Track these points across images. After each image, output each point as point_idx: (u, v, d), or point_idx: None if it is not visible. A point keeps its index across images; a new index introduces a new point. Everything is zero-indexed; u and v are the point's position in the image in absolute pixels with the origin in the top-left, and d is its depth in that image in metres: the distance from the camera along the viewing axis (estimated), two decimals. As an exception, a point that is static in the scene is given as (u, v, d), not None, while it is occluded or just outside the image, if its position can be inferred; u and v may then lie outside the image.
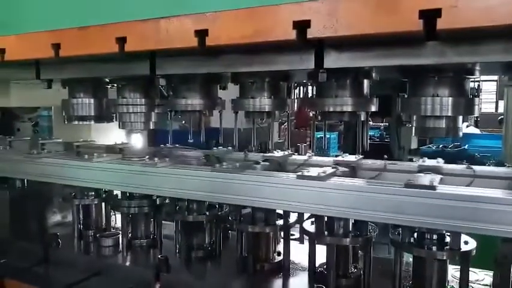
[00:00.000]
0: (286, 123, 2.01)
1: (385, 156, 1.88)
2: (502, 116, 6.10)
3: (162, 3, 1.57)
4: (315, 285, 1.68)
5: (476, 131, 9.98)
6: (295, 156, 2.01)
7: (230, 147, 2.17)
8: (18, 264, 2.11)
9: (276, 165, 1.88)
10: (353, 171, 1.78)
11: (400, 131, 7.14)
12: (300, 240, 2.15)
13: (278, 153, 1.98)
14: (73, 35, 1.75)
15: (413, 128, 1.60)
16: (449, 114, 1.47)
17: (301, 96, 6.66)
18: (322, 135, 2.16)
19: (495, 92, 16.51)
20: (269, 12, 1.35)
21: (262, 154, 2.03)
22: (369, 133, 2.05)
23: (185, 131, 2.12)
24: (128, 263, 2.07)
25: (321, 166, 1.74)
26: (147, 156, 1.98)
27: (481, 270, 1.79)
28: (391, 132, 7.71)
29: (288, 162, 1.95)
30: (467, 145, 7.51)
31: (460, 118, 1.54)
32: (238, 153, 2.13)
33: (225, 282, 1.83)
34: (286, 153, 1.99)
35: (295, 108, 2.10)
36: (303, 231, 1.81)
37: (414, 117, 1.57)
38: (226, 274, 1.90)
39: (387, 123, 8.92)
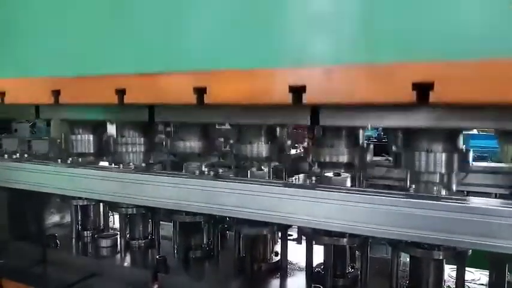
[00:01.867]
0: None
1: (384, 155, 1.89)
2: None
3: (161, 58, 1.59)
4: (312, 285, 1.69)
5: (473, 131, 10.00)
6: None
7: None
8: (17, 264, 2.11)
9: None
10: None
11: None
12: (298, 241, 2.16)
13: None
14: (73, 84, 1.78)
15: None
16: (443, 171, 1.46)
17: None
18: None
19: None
20: (266, 75, 1.37)
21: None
22: (368, 133, 2.07)
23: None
24: (126, 264, 2.07)
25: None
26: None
27: (477, 269, 1.80)
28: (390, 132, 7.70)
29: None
30: (464, 145, 7.50)
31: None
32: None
33: (223, 283, 1.83)
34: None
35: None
36: (300, 231, 1.82)
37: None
38: (224, 274, 1.90)
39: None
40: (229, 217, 1.85)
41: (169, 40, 1.57)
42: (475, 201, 1.28)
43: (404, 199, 1.31)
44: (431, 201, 1.28)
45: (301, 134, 2.77)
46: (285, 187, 1.49)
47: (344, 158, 1.66)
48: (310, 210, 1.43)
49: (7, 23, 2.00)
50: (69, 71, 1.80)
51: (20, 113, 2.32)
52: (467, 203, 1.26)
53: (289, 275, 1.86)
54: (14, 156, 2.22)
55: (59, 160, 2.08)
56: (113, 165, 2.06)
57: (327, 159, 1.67)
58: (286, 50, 1.35)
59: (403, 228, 1.30)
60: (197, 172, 1.72)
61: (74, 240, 2.35)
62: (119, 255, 2.14)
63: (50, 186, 2.04)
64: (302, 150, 2.12)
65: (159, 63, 1.58)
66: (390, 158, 1.76)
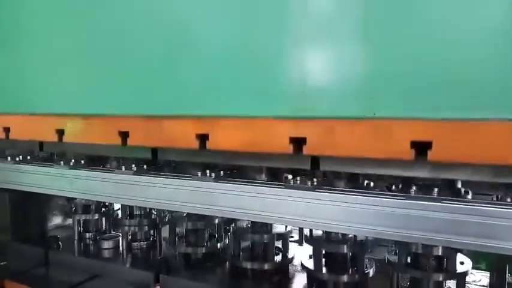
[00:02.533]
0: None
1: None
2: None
3: (164, 100, 1.62)
4: (313, 287, 1.70)
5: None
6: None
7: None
8: (19, 266, 2.12)
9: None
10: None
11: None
12: (299, 242, 2.17)
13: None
14: (77, 123, 1.82)
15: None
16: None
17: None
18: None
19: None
20: (266, 125, 1.40)
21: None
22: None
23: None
24: (128, 265, 2.07)
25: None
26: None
27: (478, 271, 1.80)
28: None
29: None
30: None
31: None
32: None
33: (225, 284, 1.84)
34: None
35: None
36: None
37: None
38: (226, 275, 1.91)
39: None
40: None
41: (171, 84, 1.60)
42: (477, 203, 1.29)
43: (405, 201, 1.31)
44: (432, 203, 1.28)
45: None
46: (285, 189, 1.50)
47: None
48: (311, 211, 1.44)
49: (13, 60, 2.05)
50: (72, 108, 1.84)
51: (24, 147, 2.27)
52: (467, 205, 1.26)
53: (290, 277, 1.87)
54: (17, 159, 2.23)
55: (61, 162, 2.09)
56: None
57: None
58: (287, 100, 1.38)
59: (404, 230, 1.30)
60: (199, 174, 1.72)
61: (76, 241, 2.36)
62: (120, 257, 2.15)
63: (52, 188, 2.05)
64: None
65: (161, 106, 1.62)
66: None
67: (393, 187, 1.47)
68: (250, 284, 1.82)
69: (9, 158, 2.20)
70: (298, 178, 1.49)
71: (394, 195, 1.36)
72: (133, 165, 1.83)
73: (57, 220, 2.64)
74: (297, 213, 1.46)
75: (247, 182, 1.61)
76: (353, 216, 1.37)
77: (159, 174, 1.81)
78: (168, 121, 1.60)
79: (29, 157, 2.20)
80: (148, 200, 1.78)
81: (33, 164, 2.13)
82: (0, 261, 2.21)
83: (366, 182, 1.57)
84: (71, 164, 1.99)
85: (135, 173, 1.81)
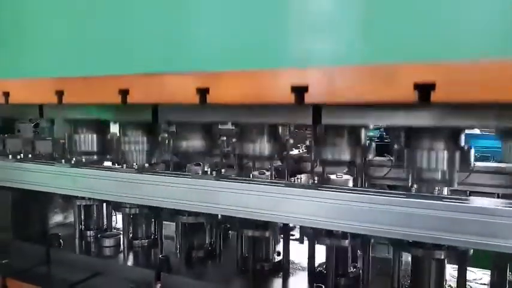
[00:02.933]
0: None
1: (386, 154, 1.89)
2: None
3: (165, 58, 1.60)
4: (315, 285, 1.70)
5: (476, 131, 9.98)
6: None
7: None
8: (20, 264, 2.13)
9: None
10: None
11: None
12: (300, 241, 2.17)
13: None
14: (77, 84, 1.79)
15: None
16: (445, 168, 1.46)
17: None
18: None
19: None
20: (268, 75, 1.38)
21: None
22: (369, 133, 2.06)
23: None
24: (129, 263, 2.08)
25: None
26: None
27: (479, 269, 1.80)
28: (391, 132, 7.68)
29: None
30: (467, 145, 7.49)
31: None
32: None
33: (225, 282, 1.84)
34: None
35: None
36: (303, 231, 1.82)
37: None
38: (227, 274, 1.91)
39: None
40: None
41: (172, 41, 1.57)
42: (476, 201, 1.29)
43: (406, 199, 1.31)
44: (433, 201, 1.28)
45: (304, 134, 2.78)
46: (287, 187, 1.50)
47: (346, 157, 1.66)
48: (312, 210, 1.44)
49: (11, 24, 2.01)
50: (73, 71, 1.81)
51: (24, 113, 2.32)
52: (467, 203, 1.27)
53: (291, 275, 1.87)
54: (18, 157, 2.23)
55: (63, 160, 2.09)
56: (116, 166, 2.07)
57: (329, 158, 1.68)
58: (288, 52, 1.36)
59: (404, 228, 1.31)
60: (200, 172, 1.73)
61: (77, 239, 2.36)
62: (121, 255, 2.15)
63: (53, 186, 2.05)
64: (304, 150, 2.12)
65: (162, 63, 1.59)
66: (392, 158, 1.76)
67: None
68: (250, 282, 1.83)
69: (10, 156, 2.21)
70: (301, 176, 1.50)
71: (395, 194, 1.36)
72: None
73: (58, 218, 2.65)
74: (298, 212, 1.46)
75: (248, 180, 1.62)
76: (353, 215, 1.37)
77: (160, 173, 1.81)
78: (168, 77, 1.57)
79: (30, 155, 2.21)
80: (147, 198, 1.79)
81: (35, 162, 2.13)
82: (2, 260, 2.21)
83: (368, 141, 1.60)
84: (73, 162, 2.00)
85: (137, 171, 1.82)
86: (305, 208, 1.46)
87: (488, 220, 1.21)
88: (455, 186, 1.52)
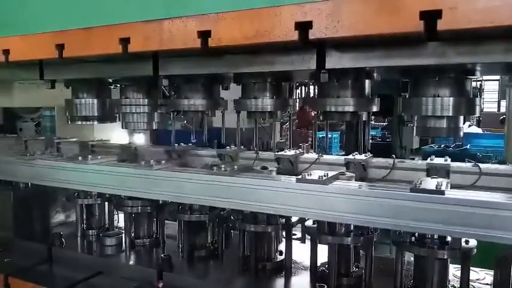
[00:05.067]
0: (288, 123, 2.01)
1: (393, 155, 1.88)
2: (504, 116, 6.09)
3: (165, 4, 1.58)
4: (317, 285, 1.70)
5: (478, 130, 9.97)
6: (306, 155, 1.98)
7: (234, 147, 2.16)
8: (23, 263, 2.13)
9: (288, 164, 1.89)
10: (363, 170, 1.78)
11: (401, 131, 7.14)
12: (302, 240, 2.17)
13: (289, 152, 1.95)
14: (77, 36, 1.76)
15: (415, 127, 1.61)
16: (450, 114, 1.47)
17: (303, 96, 6.68)
18: (324, 135, 2.16)
19: (497, 92, 16.45)
20: (271, 13, 1.35)
21: (274, 153, 1.99)
22: (371, 133, 2.06)
23: (187, 131, 2.12)
24: (131, 262, 2.08)
25: (332, 165, 1.78)
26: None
27: (481, 269, 1.80)
28: (393, 132, 7.72)
29: (299, 160, 1.93)
30: (469, 145, 7.50)
31: (461, 118, 1.54)
32: (250, 153, 2.11)
33: (228, 281, 1.84)
34: (296, 152, 1.97)
35: (297, 108, 2.10)
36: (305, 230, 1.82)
37: (415, 117, 1.58)
38: (229, 273, 1.91)
39: (388, 123, 8.93)
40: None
41: None
42: (478, 195, 1.30)
43: (411, 193, 1.32)
44: (436, 196, 1.28)
45: (305, 133, 2.77)
46: (298, 182, 1.50)
47: (350, 108, 1.67)
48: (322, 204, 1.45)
49: None
50: (72, 23, 1.77)
51: (24, 75, 2.27)
52: (468, 197, 1.27)
53: (293, 274, 1.86)
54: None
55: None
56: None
57: (332, 109, 1.69)
58: None
59: (408, 221, 1.31)
60: (215, 169, 1.72)
61: (79, 238, 2.36)
62: (124, 254, 2.15)
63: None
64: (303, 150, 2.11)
65: (162, 10, 1.56)
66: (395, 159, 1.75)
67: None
68: (252, 281, 1.82)
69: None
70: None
71: (401, 188, 1.37)
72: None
73: (60, 217, 2.65)
74: (309, 206, 1.47)
75: (260, 176, 1.64)
76: (361, 208, 1.38)
77: (175, 169, 1.83)
78: (169, 22, 1.54)
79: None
80: (161, 193, 1.79)
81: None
82: (5, 258, 2.21)
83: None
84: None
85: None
86: (315, 202, 1.46)
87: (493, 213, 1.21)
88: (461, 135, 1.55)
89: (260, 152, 2.09)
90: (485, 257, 1.59)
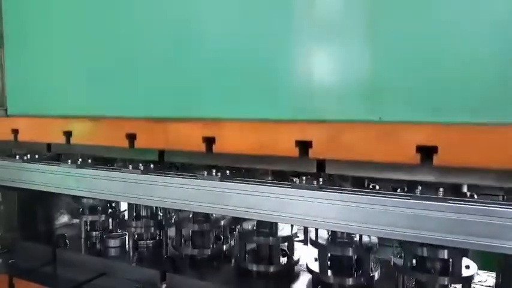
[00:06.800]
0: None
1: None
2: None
3: (171, 105, 1.65)
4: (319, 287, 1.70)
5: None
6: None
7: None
8: (27, 264, 2.15)
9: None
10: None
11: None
12: (304, 242, 2.17)
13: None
14: (84, 125, 1.84)
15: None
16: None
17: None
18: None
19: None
20: (273, 128, 1.42)
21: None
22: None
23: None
24: (134, 264, 2.09)
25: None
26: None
27: (484, 271, 1.80)
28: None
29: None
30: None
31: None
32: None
33: (230, 283, 1.85)
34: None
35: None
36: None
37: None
38: (232, 274, 1.92)
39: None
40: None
41: (178, 87, 1.63)
42: (482, 203, 1.28)
43: (410, 200, 1.31)
44: (436, 203, 1.28)
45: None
46: (292, 188, 1.50)
47: None
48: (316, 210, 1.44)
49: (21, 63, 2.08)
50: (81, 111, 1.87)
51: (32, 147, 2.26)
52: (472, 205, 1.26)
53: (295, 277, 1.87)
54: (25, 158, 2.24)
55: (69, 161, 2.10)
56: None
57: None
58: (293, 103, 1.41)
59: (407, 229, 1.30)
60: (205, 173, 1.72)
61: (83, 240, 2.38)
62: (127, 255, 2.16)
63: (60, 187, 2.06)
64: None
65: (168, 108, 1.65)
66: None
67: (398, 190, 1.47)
68: (255, 284, 1.83)
69: (17, 157, 2.22)
70: (304, 178, 1.50)
71: (400, 195, 1.36)
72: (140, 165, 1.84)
73: (64, 219, 2.67)
74: (303, 213, 1.46)
75: (254, 181, 1.61)
76: (358, 216, 1.37)
77: (167, 173, 1.81)
78: (175, 124, 1.61)
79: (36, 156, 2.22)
80: (155, 199, 1.78)
81: (42, 163, 2.14)
82: (9, 259, 2.23)
83: (371, 185, 1.58)
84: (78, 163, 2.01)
85: (143, 172, 1.82)
86: (310, 209, 1.45)
87: (493, 222, 1.20)
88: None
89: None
90: (487, 259, 1.59)
